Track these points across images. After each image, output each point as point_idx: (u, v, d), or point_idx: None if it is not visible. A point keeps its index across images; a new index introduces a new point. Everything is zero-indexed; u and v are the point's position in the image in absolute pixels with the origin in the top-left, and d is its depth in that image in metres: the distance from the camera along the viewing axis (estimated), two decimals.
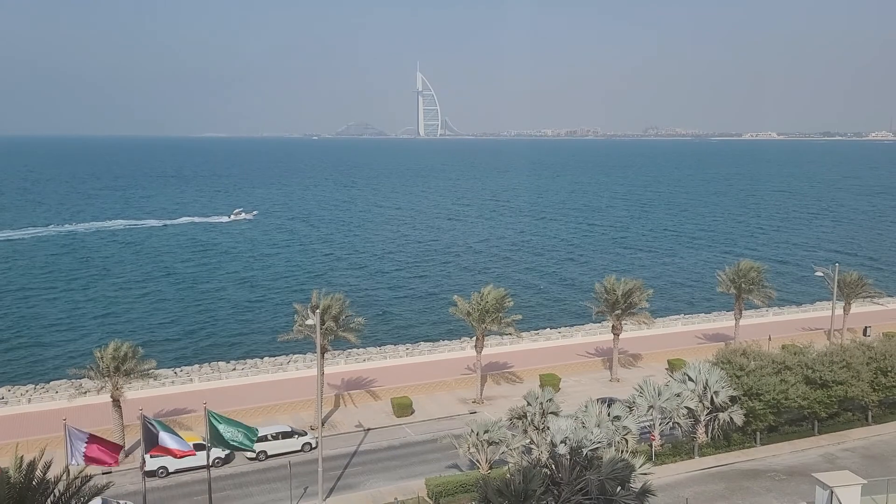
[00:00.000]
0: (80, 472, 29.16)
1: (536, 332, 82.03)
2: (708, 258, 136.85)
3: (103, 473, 43.36)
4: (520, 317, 62.62)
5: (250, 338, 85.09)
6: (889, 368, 52.56)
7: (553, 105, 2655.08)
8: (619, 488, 28.75)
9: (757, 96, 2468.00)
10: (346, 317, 55.60)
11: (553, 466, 29.34)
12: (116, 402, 49.61)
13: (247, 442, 38.36)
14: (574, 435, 38.43)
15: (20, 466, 26.70)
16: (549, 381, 61.68)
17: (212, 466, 43.28)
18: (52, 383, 65.58)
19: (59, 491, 27.35)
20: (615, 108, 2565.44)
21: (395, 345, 78.79)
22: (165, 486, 46.07)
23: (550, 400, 44.37)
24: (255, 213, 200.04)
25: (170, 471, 47.10)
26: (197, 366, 71.14)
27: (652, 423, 47.54)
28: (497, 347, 73.75)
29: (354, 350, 71.15)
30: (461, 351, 74.04)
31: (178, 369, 69.51)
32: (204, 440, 39.64)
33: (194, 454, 44.06)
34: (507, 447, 42.92)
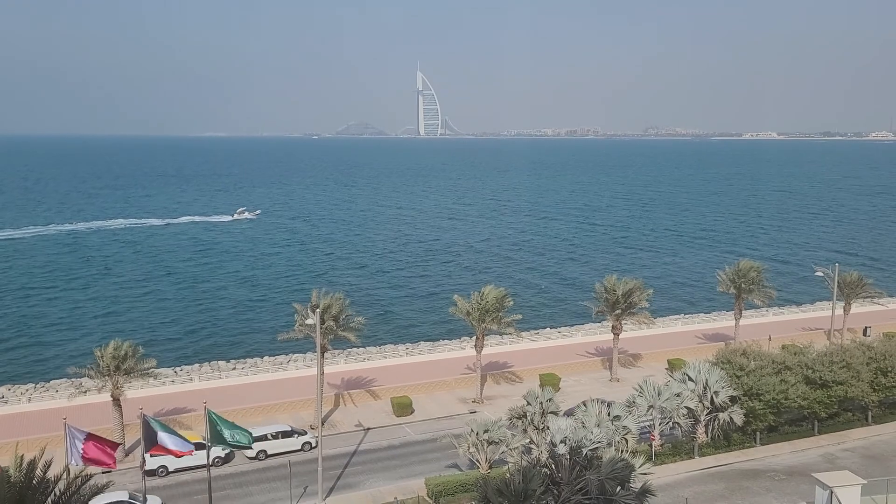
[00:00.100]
0: (81, 471, 29.14)
1: (536, 331, 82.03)
2: (708, 258, 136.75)
3: (103, 472, 43.35)
4: (520, 316, 62.74)
5: (250, 337, 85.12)
6: (889, 368, 52.57)
7: (553, 105, 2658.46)
8: (618, 488, 28.72)
9: (757, 96, 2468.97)
10: (346, 316, 55.66)
11: (553, 466, 29.32)
12: (117, 401, 49.66)
13: (244, 441, 38.76)
14: (574, 435, 38.46)
15: (20, 465, 26.69)
16: (549, 381, 61.70)
17: (212, 466, 43.33)
18: (52, 382, 65.58)
19: (60, 490, 27.34)
20: (615, 108, 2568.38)
21: (395, 344, 78.76)
22: (165, 485, 46.14)
23: (550, 400, 44.37)
24: (258, 212, 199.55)
25: (170, 470, 47.21)
26: (197, 365, 71.14)
27: (652, 422, 47.55)
28: (497, 347, 73.76)
29: (354, 349, 71.19)
30: (461, 350, 74.06)
31: (178, 368, 69.52)
32: (204, 439, 39.73)
33: (192, 454, 44.05)
34: (506, 447, 42.93)
